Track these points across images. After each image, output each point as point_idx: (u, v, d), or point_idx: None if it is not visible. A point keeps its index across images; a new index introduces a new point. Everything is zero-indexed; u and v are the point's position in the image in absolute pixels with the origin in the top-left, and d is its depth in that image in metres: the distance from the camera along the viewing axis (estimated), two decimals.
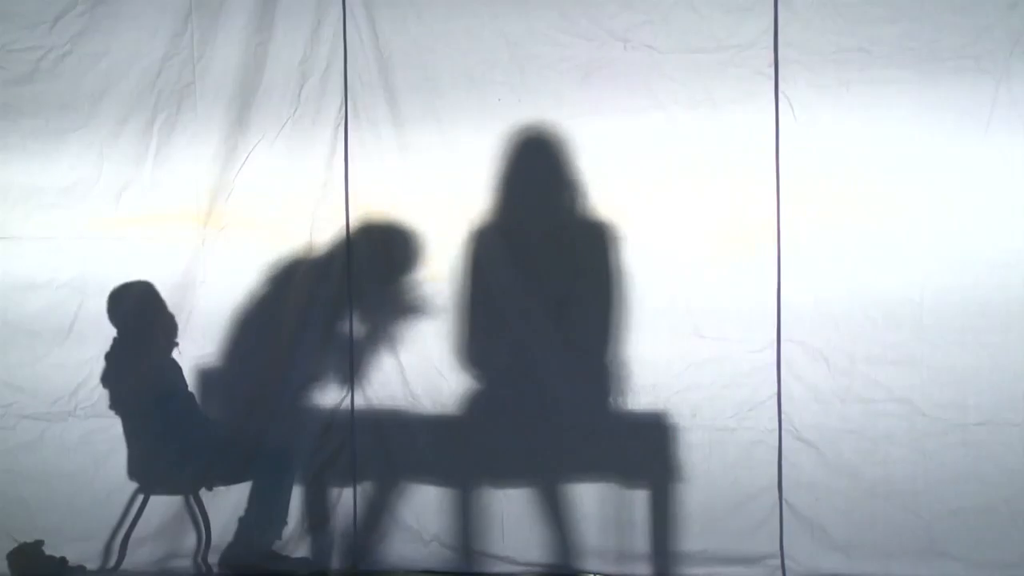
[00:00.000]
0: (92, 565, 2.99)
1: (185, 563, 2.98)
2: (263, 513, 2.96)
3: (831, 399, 2.73)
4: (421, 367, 2.88)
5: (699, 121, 2.75)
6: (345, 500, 2.95)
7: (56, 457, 2.97)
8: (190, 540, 2.98)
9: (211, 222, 2.92)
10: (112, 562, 2.98)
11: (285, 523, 2.93)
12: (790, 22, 2.70)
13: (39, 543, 2.98)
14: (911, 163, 2.68)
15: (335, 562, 2.95)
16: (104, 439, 2.96)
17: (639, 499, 2.82)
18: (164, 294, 2.94)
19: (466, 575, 2.90)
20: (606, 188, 2.81)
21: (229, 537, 2.96)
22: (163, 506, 2.97)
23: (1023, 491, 2.64)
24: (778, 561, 2.77)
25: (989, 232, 2.65)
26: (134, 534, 2.96)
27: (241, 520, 2.95)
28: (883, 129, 2.68)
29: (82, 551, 2.98)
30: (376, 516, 2.94)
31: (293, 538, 2.95)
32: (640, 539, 2.82)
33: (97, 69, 2.90)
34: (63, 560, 2.98)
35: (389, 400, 2.91)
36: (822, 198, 2.72)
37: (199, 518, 2.96)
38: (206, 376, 2.96)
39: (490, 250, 2.86)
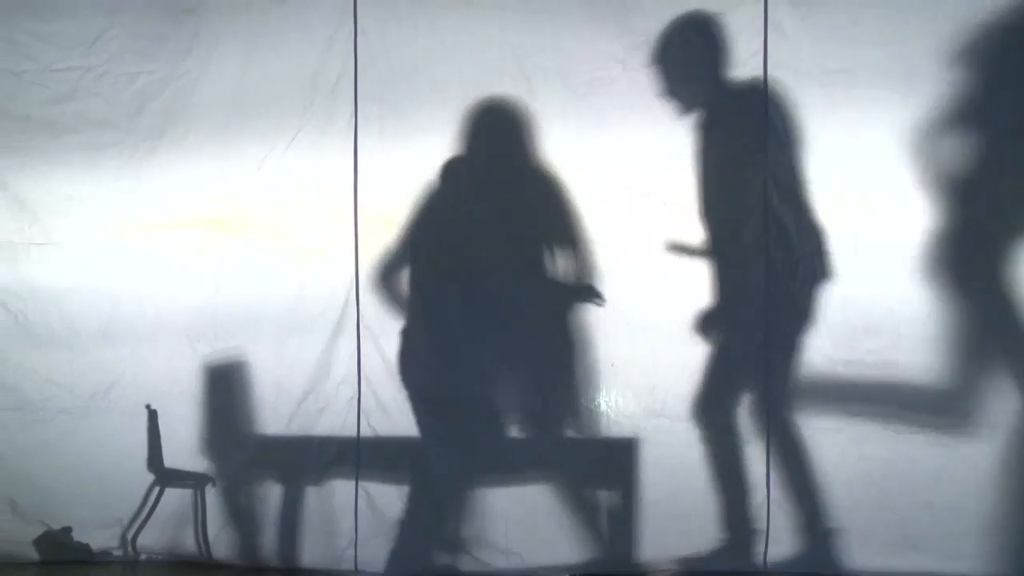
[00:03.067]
0: (115, 551, 3.27)
1: (191, 550, 3.24)
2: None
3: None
4: (422, 371, 3.13)
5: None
6: (348, 503, 3.15)
7: (88, 450, 3.23)
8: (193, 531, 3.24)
9: (229, 228, 3.17)
10: (132, 549, 3.25)
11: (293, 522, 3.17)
12: (779, 44, 2.97)
13: (67, 530, 3.26)
14: (892, 180, 2.95)
15: (337, 564, 3.16)
16: (134, 435, 3.22)
17: (635, 498, 3.06)
18: (187, 296, 3.19)
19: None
20: (606, 193, 3.07)
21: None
22: (176, 498, 3.24)
23: (990, 488, 2.91)
24: (764, 552, 3.03)
25: (964, 244, 2.91)
26: (150, 523, 3.23)
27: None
28: (866, 146, 2.95)
29: (107, 538, 3.26)
30: (378, 519, 3.15)
31: (294, 540, 3.18)
32: (634, 535, 3.07)
33: (133, 88, 3.18)
34: (87, 547, 3.27)
35: (392, 402, 3.14)
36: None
37: (199, 511, 3.22)
38: (218, 374, 3.21)
39: (489, 251, 3.12)
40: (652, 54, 3.03)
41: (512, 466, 3.12)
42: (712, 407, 3.05)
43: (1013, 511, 2.91)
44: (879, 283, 2.97)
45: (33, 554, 3.28)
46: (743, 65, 2.99)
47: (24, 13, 3.21)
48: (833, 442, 3.00)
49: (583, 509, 3.11)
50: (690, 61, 3.03)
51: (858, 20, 2.94)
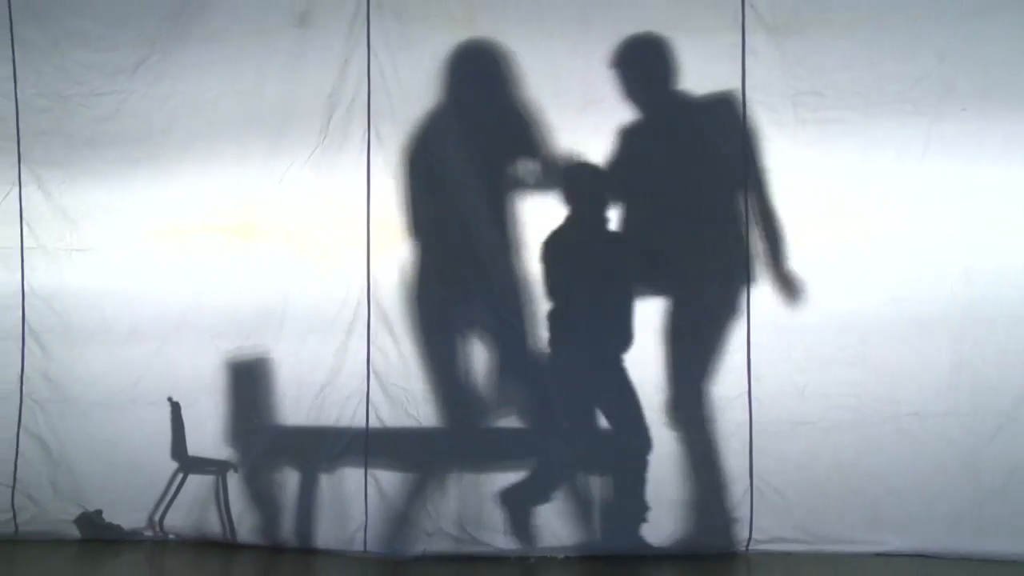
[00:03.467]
0: (145, 532, 3.53)
1: (215, 531, 3.48)
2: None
3: (792, 395, 3.24)
4: (428, 367, 3.35)
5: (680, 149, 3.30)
6: (358, 489, 3.36)
7: (120, 439, 3.51)
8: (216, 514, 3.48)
9: (250, 234, 3.45)
10: (159, 530, 3.51)
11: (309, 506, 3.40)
12: (755, 68, 3.24)
13: (99, 512, 3.54)
14: (857, 192, 3.22)
15: (348, 546, 3.37)
16: (158, 425, 3.50)
17: (628, 484, 3.30)
18: (213, 297, 3.45)
19: (469, 557, 3.30)
20: (602, 201, 3.33)
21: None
22: (201, 484, 3.49)
23: (947, 473, 3.17)
24: (747, 535, 3.26)
25: (920, 252, 3.19)
26: (176, 506, 3.49)
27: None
28: (834, 161, 3.22)
29: (137, 520, 3.53)
30: (385, 504, 3.35)
31: (309, 523, 3.40)
32: (627, 518, 3.30)
33: (165, 108, 3.49)
34: (119, 527, 3.54)
35: (401, 394, 3.36)
36: (784, 220, 3.25)
37: (221, 496, 3.47)
38: (240, 369, 3.46)
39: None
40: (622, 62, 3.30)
41: (512, 454, 3.36)
42: (696, 403, 3.28)
43: (971, 493, 3.16)
44: (847, 285, 3.22)
45: (75, 532, 3.56)
46: (723, 85, 3.26)
47: (73, 43, 3.55)
48: (808, 434, 3.24)
49: (577, 495, 3.33)
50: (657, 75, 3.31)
51: (826, 47, 3.21)
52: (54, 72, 3.55)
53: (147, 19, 3.50)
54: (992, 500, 3.14)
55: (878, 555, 3.22)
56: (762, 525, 3.27)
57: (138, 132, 3.50)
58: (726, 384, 3.29)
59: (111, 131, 3.51)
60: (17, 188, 3.60)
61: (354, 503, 3.39)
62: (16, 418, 3.58)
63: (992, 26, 3.16)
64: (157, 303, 3.51)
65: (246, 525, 3.47)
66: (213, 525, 3.49)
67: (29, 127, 3.59)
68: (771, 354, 3.26)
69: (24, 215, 3.60)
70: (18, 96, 3.58)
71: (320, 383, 3.41)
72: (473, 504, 3.35)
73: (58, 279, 3.57)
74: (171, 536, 3.53)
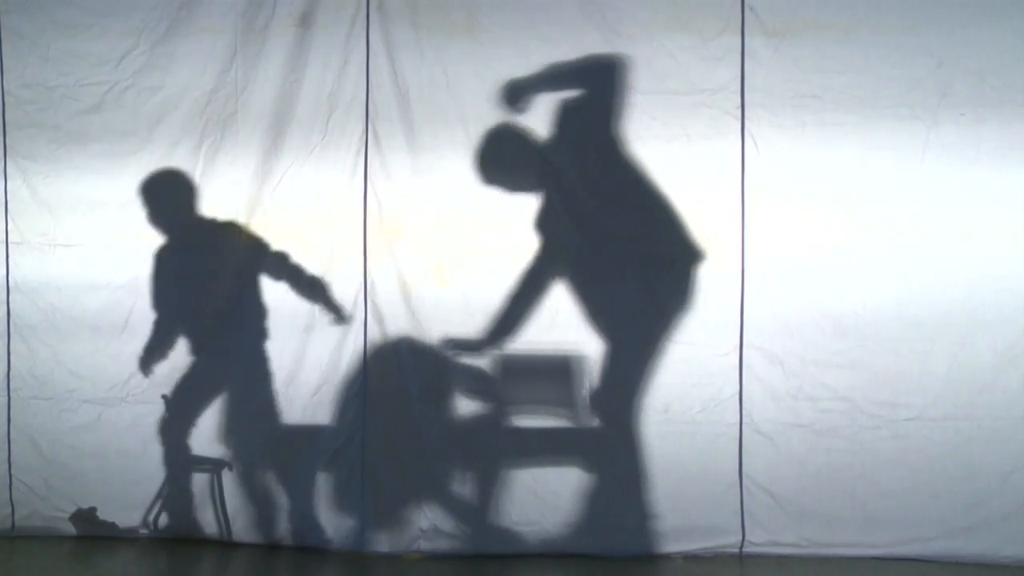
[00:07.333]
0: (141, 530, 3.55)
1: (211, 530, 3.50)
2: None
3: (785, 397, 3.31)
4: (427, 364, 3.40)
5: (675, 153, 3.34)
6: (355, 487, 3.41)
7: (111, 437, 3.54)
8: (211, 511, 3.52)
9: (247, 232, 3.45)
10: (154, 527, 3.54)
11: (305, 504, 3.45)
12: (755, 71, 3.30)
13: (92, 509, 3.57)
14: (856, 194, 3.28)
15: (345, 543, 3.43)
16: (151, 422, 3.53)
17: (619, 484, 3.35)
18: (205, 293, 3.46)
19: (467, 557, 3.36)
20: (594, 204, 3.37)
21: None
22: (195, 482, 3.51)
23: (941, 476, 3.25)
24: (739, 537, 3.33)
25: (920, 256, 3.26)
26: (170, 504, 3.52)
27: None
28: (833, 164, 3.28)
29: (131, 517, 3.56)
30: (382, 502, 3.40)
31: (306, 521, 3.45)
32: (616, 519, 3.35)
33: (154, 101, 3.49)
34: (113, 524, 3.57)
35: (397, 392, 3.40)
36: (780, 222, 3.32)
37: (216, 493, 3.50)
38: (239, 366, 3.46)
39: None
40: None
41: (507, 452, 3.42)
42: (683, 403, 3.34)
43: (965, 497, 3.24)
44: (845, 289, 3.29)
45: (70, 529, 3.60)
46: (723, 88, 3.32)
47: (59, 33, 3.55)
48: (801, 437, 3.31)
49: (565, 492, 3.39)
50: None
51: (824, 51, 3.28)
52: (40, 62, 3.56)
53: (136, 9, 3.50)
54: (987, 504, 3.23)
55: (871, 559, 3.28)
56: (753, 528, 3.33)
57: (125, 125, 3.52)
58: (718, 385, 3.34)
59: (97, 123, 3.53)
60: (2, 181, 3.61)
61: (350, 501, 3.44)
62: (6, 415, 3.61)
63: (989, 32, 3.23)
64: (147, 300, 3.52)
65: (241, 523, 3.52)
66: (208, 523, 3.53)
67: (15, 119, 3.60)
68: (764, 356, 3.32)
69: (8, 209, 3.61)
70: (4, 87, 3.59)
71: (317, 381, 3.46)
72: (471, 502, 3.40)
73: (42, 274, 3.59)
74: (166, 534, 3.55)
